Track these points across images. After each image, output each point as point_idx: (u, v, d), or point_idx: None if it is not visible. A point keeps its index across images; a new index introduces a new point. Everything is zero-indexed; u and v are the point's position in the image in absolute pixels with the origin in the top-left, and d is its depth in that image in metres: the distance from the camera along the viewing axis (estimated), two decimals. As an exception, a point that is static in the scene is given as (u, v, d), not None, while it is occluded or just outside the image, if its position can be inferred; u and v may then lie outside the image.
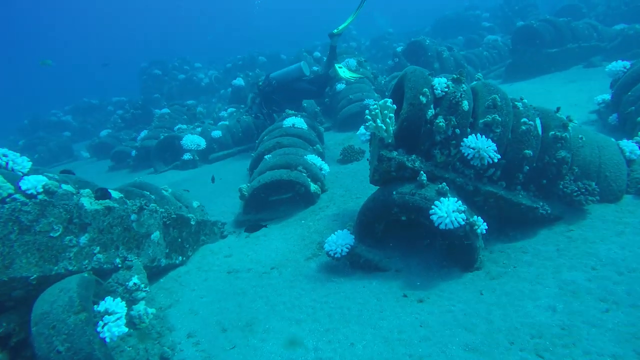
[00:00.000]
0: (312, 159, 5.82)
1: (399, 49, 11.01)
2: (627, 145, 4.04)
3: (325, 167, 5.94)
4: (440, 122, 3.50)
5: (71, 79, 60.39)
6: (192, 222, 4.63)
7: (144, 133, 10.85)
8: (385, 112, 3.57)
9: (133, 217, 3.71)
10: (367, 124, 3.62)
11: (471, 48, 16.34)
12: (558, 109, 4.11)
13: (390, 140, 3.65)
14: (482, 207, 3.84)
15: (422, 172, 3.53)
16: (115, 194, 4.00)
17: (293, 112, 7.52)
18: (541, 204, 3.74)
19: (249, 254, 4.54)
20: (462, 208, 3.27)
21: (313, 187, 5.43)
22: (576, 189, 3.74)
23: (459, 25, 21.91)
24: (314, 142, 6.55)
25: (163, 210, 4.12)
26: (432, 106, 3.64)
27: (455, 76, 3.78)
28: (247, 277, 4.04)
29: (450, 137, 3.57)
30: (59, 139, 15.74)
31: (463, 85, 3.77)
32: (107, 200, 3.46)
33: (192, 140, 8.67)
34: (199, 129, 9.81)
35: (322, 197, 5.61)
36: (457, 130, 3.56)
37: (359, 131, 4.62)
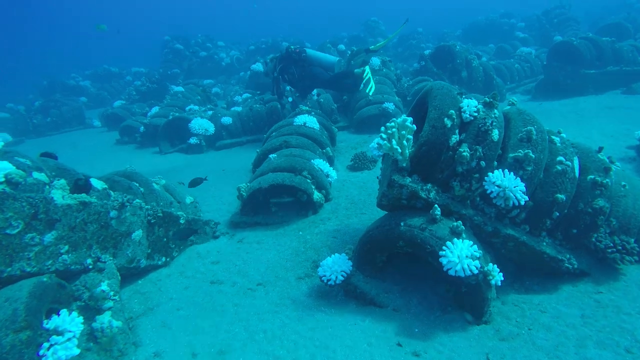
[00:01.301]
0: (320, 164, 5.42)
1: (427, 52, 10.44)
2: (675, 199, 3.54)
3: (333, 174, 5.53)
4: (464, 151, 3.06)
5: (96, 45, 60.44)
6: (182, 221, 4.29)
7: (154, 109, 10.54)
8: (403, 132, 3.14)
9: (113, 213, 3.37)
10: (380, 141, 3.20)
11: (502, 58, 15.65)
12: (600, 149, 3.63)
13: (405, 164, 3.22)
14: (499, 249, 3.41)
15: (436, 205, 3.11)
16: (98, 184, 3.66)
17: (307, 108, 7.09)
18: (568, 256, 3.29)
19: (237, 264, 4.18)
20: (477, 254, 2.86)
21: (316, 195, 5.04)
22: (612, 244, 3.28)
23: (491, 32, 21.13)
24: (324, 144, 6.13)
25: (149, 207, 3.77)
26: (457, 131, 3.20)
27: (487, 99, 3.32)
28: (231, 293, 3.69)
29: (473, 170, 3.13)
30: (73, 103, 15.52)
31: (495, 111, 3.31)
32: (83, 195, 3.12)
33: (201, 125, 8.32)
34: (210, 112, 9.45)
35: (325, 207, 5.21)
36: (483, 163, 3.11)
37: (371, 144, 4.19)
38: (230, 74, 18.50)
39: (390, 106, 7.93)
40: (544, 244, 3.31)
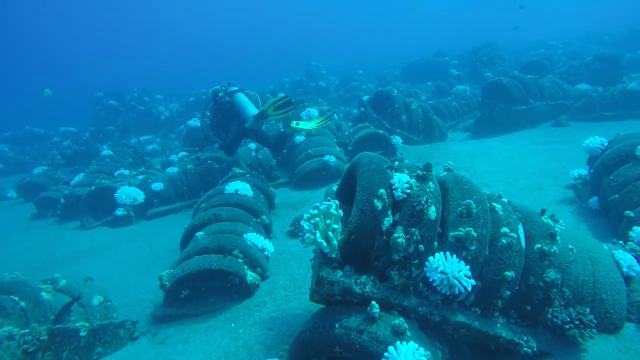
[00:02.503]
0: (253, 238, 4.88)
1: (365, 98, 10.44)
2: (624, 258, 3.32)
3: (269, 247, 5.00)
4: (399, 237, 2.66)
5: (20, 103, 55.03)
6: (82, 334, 3.53)
7: (78, 177, 9.57)
8: (329, 221, 2.71)
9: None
10: (304, 236, 2.74)
11: (440, 95, 16.26)
12: (543, 211, 3.39)
13: (334, 255, 2.77)
14: (451, 336, 2.99)
15: (373, 302, 2.66)
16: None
17: (240, 171, 6.61)
18: (525, 338, 2.91)
19: (153, 381, 3.46)
20: (425, 359, 2.40)
21: (250, 276, 4.46)
22: (568, 319, 2.95)
23: (428, 70, 22.09)
24: (259, 212, 5.61)
25: (27, 330, 3.02)
26: (389, 212, 2.82)
27: (420, 172, 2.99)
28: None
29: (411, 255, 2.73)
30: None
31: (430, 183, 2.98)
32: None
33: (128, 194, 7.55)
34: (141, 177, 8.70)
35: (262, 286, 4.62)
36: (421, 247, 2.72)
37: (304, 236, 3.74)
38: (170, 128, 17.77)
39: (331, 159, 7.63)
40: (498, 325, 2.93)
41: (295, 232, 5.90)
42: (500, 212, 3.10)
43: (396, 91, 10.28)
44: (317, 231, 2.66)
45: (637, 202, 4.33)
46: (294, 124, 7.18)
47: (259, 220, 5.54)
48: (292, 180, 8.20)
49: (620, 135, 5.42)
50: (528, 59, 15.97)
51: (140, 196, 7.63)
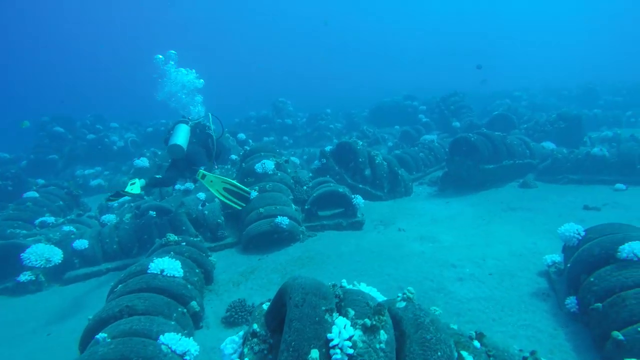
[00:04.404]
0: (172, 341, 3.88)
1: (328, 148, 9.80)
2: None
3: (193, 349, 4.00)
4: None
5: None
6: None
7: (-14, 225, 8.22)
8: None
9: None
10: None
11: (407, 142, 15.97)
12: (521, 351, 2.66)
13: None
14: None
15: None
16: None
17: (175, 238, 5.64)
18: None
19: None
20: None
21: (157, 404, 3.45)
22: None
23: (396, 113, 22.09)
24: (187, 298, 4.65)
25: None
26: (323, 388, 1.99)
27: (368, 322, 2.20)
28: None
29: None
30: None
31: (381, 335, 2.18)
32: None
33: (40, 254, 6.34)
34: (67, 229, 7.51)
35: (174, 413, 3.61)
36: None
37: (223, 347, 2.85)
38: (123, 159, 16.45)
39: (284, 221, 6.80)
40: None
41: (231, 320, 4.94)
42: (472, 368, 2.35)
43: (360, 143, 9.70)
44: None
45: (625, 320, 3.70)
46: (200, 176, 6.92)
47: (185, 310, 4.57)
48: (240, 241, 7.28)
49: (598, 226, 4.92)
50: (495, 112, 16.05)
51: (56, 256, 6.44)
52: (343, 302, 2.47)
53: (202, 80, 8.54)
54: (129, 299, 4.31)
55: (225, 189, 7.05)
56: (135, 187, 6.50)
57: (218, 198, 7.14)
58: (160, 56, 8.12)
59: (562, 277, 5.11)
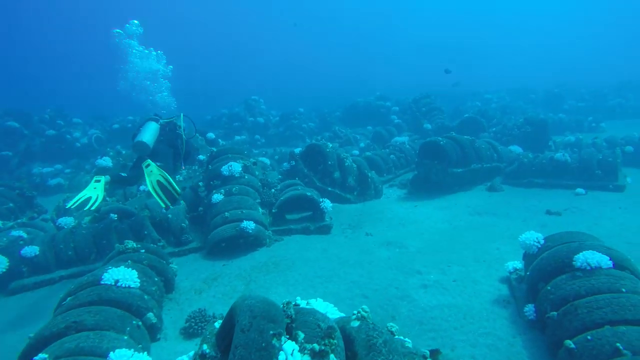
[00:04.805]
0: (122, 358, 3.68)
1: (297, 150, 9.69)
2: None
3: (146, 367, 3.83)
4: None
5: None
6: None
7: None
8: None
9: None
10: None
11: (379, 143, 16.04)
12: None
13: None
14: None
15: None
16: None
17: (133, 245, 5.39)
18: None
19: None
20: None
21: None
22: None
23: (369, 113, 22.20)
24: (143, 310, 4.44)
25: None
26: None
27: (317, 347, 2.11)
28: None
29: None
30: None
31: (331, 357, 2.10)
32: None
33: (-17, 262, 5.97)
34: (16, 234, 7.10)
35: None
36: None
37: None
38: (86, 157, 15.77)
39: (249, 226, 6.65)
40: None
41: (191, 331, 4.76)
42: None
43: (330, 145, 9.62)
44: None
45: (577, 328, 3.77)
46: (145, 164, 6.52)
47: (141, 322, 4.36)
48: (205, 245, 7.07)
49: (556, 234, 5.02)
50: (466, 115, 16.37)
51: (1, 265, 6.07)
52: (294, 324, 2.38)
53: (170, 66, 8.05)
54: (77, 314, 4.07)
55: (159, 183, 6.58)
56: (99, 185, 6.12)
57: (149, 189, 6.62)
58: (119, 30, 7.43)
59: (522, 284, 5.20)
